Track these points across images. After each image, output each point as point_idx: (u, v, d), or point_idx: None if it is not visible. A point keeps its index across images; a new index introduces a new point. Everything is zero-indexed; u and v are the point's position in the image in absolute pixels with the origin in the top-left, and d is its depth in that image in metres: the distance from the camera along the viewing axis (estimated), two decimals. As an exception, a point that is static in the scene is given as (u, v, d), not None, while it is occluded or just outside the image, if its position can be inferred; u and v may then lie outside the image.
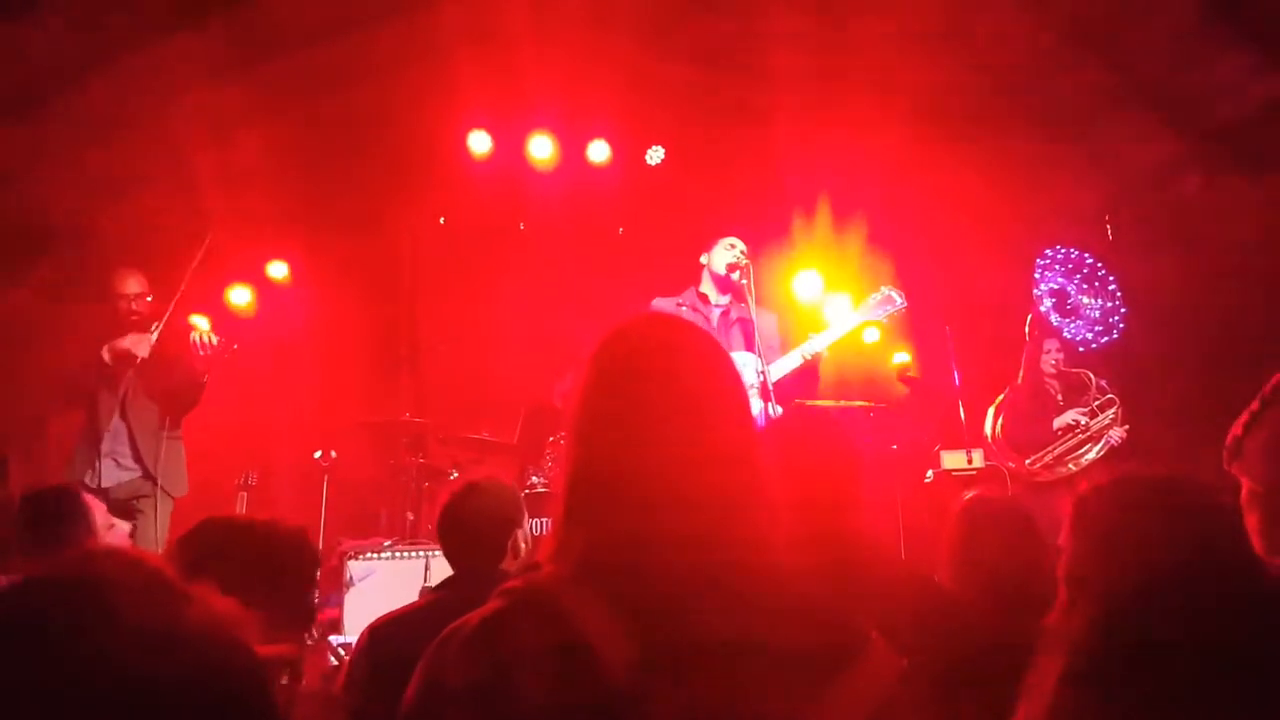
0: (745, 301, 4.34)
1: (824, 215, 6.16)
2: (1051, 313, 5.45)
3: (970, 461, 5.26)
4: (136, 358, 4.46)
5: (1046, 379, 5.40)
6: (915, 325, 5.65)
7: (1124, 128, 5.59)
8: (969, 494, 2.36)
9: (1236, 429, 1.82)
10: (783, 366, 4.26)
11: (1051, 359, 5.40)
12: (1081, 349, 5.51)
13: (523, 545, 2.51)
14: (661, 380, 1.11)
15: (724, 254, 4.47)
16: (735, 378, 1.17)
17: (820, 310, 5.95)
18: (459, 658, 1.00)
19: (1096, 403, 5.25)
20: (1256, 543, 1.81)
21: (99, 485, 4.44)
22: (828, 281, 6.11)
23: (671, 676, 0.95)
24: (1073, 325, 5.51)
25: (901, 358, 6.13)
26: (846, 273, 6.14)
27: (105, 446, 4.50)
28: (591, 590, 1.01)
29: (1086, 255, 5.65)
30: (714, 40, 5.84)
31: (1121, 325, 5.53)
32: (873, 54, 5.44)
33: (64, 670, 0.70)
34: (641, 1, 5.70)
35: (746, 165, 6.35)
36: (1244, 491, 1.82)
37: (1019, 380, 5.41)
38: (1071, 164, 5.88)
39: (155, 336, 4.48)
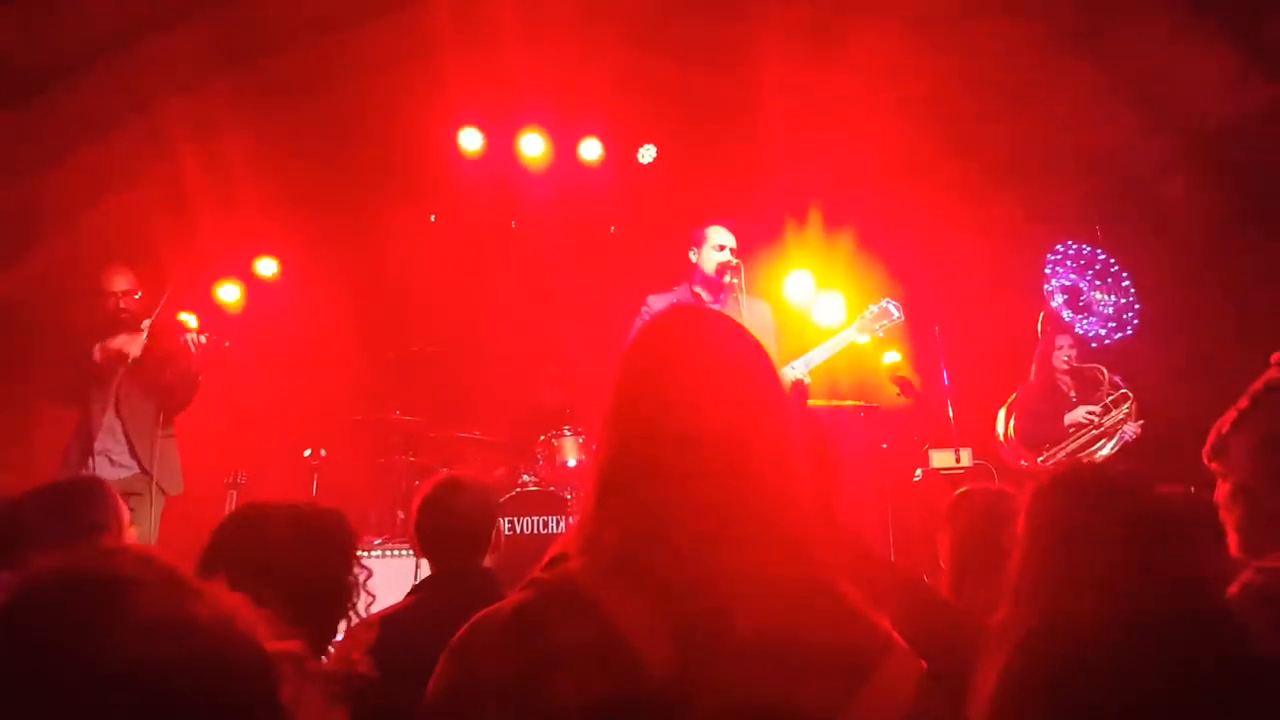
0: (736, 304, 4.33)
1: (815, 214, 6.18)
2: (1063, 309, 5.39)
3: (958, 460, 5.27)
4: (128, 356, 4.43)
5: (1059, 375, 5.33)
6: (905, 325, 5.67)
7: (1113, 129, 5.63)
8: (966, 489, 2.37)
9: (1223, 426, 1.82)
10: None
11: (1064, 355, 5.32)
12: (1094, 345, 5.42)
13: (500, 540, 2.51)
14: (698, 372, 1.10)
15: (713, 255, 4.45)
16: (770, 371, 1.16)
17: (811, 310, 5.97)
18: (493, 650, 0.99)
19: (1110, 398, 5.17)
20: (1233, 540, 1.83)
21: None
22: (819, 280, 6.13)
23: (709, 675, 0.94)
24: (1085, 321, 5.45)
25: (892, 357, 6.15)
26: (837, 272, 6.16)
27: (99, 444, 4.48)
28: (627, 584, 0.99)
29: (1099, 251, 5.58)
30: (706, 38, 5.85)
31: (1135, 321, 5.45)
32: (863, 54, 5.46)
33: (76, 662, 0.71)
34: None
35: (738, 163, 6.36)
36: (1224, 490, 1.83)
37: (1031, 377, 5.34)
38: (1061, 164, 5.92)
39: (145, 335, 4.44)
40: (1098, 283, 5.57)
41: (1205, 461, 1.87)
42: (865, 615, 1.04)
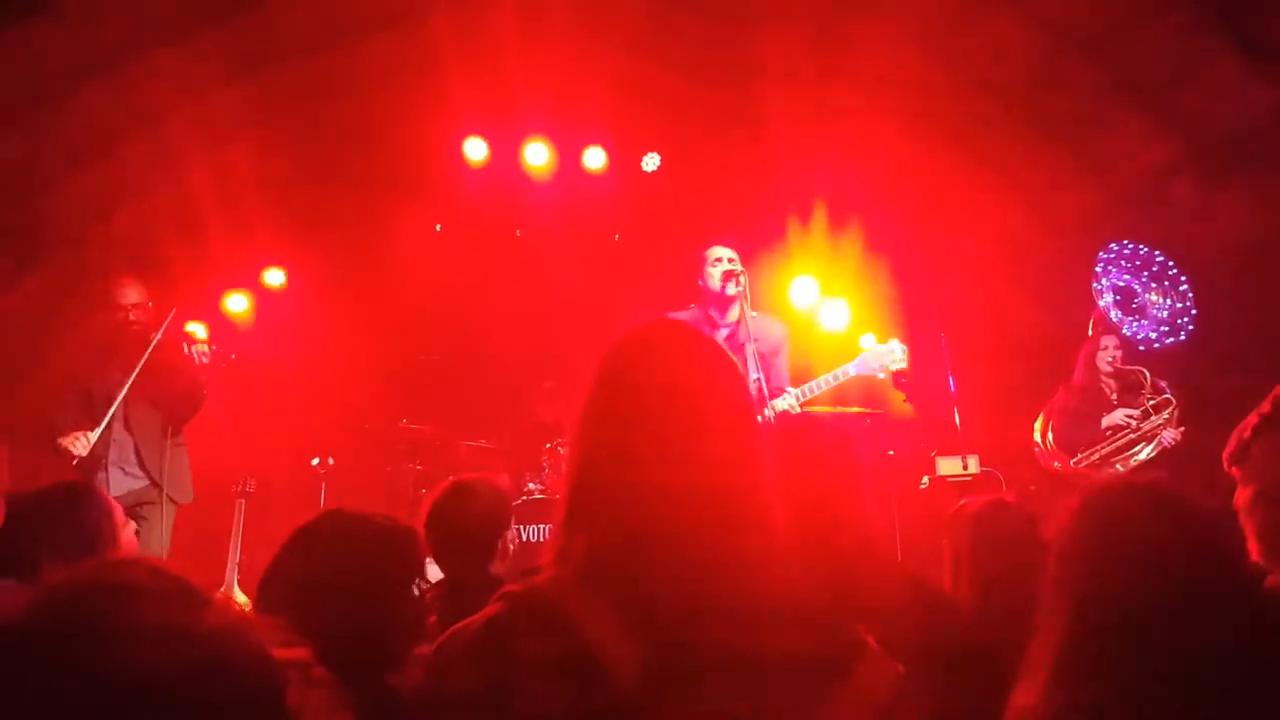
0: (743, 314, 4.32)
1: (820, 220, 6.18)
2: (1111, 309, 5.18)
3: (965, 467, 5.26)
4: (74, 458, 4.40)
5: (1102, 377, 5.20)
6: (911, 331, 5.67)
7: (1119, 133, 5.62)
8: (965, 501, 2.37)
9: (1244, 433, 1.79)
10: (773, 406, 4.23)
11: (1108, 356, 5.17)
12: (1142, 348, 5.25)
13: (510, 547, 2.49)
14: (665, 385, 1.11)
15: (715, 271, 4.44)
16: (739, 383, 1.18)
17: (816, 316, 5.98)
18: (462, 662, 1.00)
19: (1151, 402, 5.03)
20: (1253, 546, 1.81)
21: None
22: (824, 287, 6.14)
23: (677, 685, 0.95)
24: (1135, 323, 5.22)
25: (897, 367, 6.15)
26: (843, 279, 6.16)
27: (111, 456, 4.54)
28: (595, 596, 1.00)
29: (1156, 251, 5.34)
30: (708, 47, 5.87)
31: (1190, 326, 5.23)
32: (867, 59, 5.47)
33: (88, 671, 0.74)
34: (635, 8, 5.73)
35: (742, 171, 6.38)
36: (1244, 496, 1.81)
37: (1075, 378, 5.22)
38: (1067, 169, 5.92)
39: (94, 438, 4.40)
40: (1153, 284, 5.32)
41: (1225, 466, 1.84)
42: (837, 621, 1.06)
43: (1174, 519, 1.40)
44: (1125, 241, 5.39)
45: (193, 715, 0.75)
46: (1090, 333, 5.26)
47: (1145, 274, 5.37)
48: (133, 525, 2.55)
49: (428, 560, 2.66)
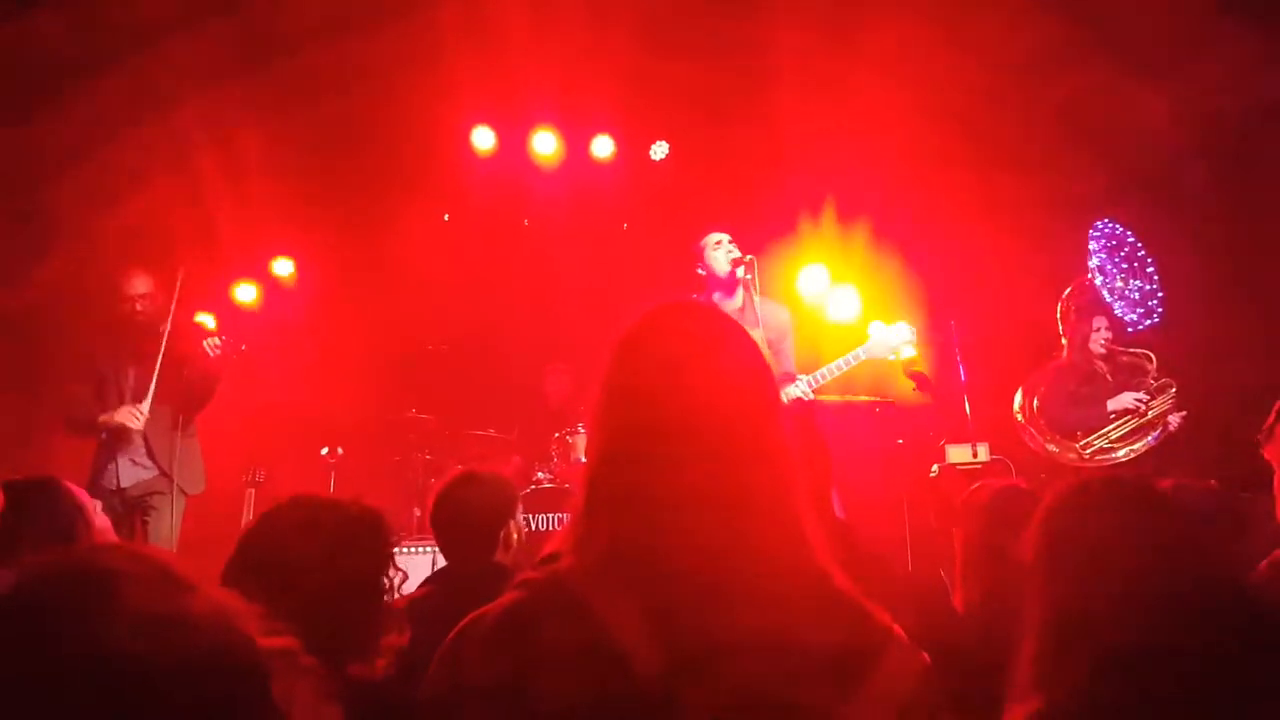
0: (749, 300, 4.30)
1: (829, 209, 6.14)
2: (1104, 289, 5.11)
3: (975, 455, 5.22)
4: (130, 432, 4.47)
5: (1096, 360, 5.07)
6: (921, 318, 5.64)
7: (1133, 116, 5.56)
8: (978, 485, 2.34)
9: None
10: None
11: (1101, 338, 5.06)
12: (1131, 329, 5.18)
13: (515, 537, 2.50)
14: (688, 368, 1.07)
15: (720, 255, 4.40)
16: (763, 367, 1.13)
17: (825, 304, 5.94)
18: (481, 652, 0.98)
19: (1154, 385, 4.94)
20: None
21: (118, 485, 4.51)
22: (833, 275, 6.10)
23: (700, 676, 0.93)
24: (1119, 305, 5.15)
25: (908, 351, 6.11)
26: (852, 266, 6.12)
27: (121, 446, 4.54)
28: (617, 585, 0.98)
29: (1129, 234, 5.26)
30: (717, 33, 5.83)
31: (1160, 309, 5.18)
32: (877, 47, 5.43)
33: (68, 655, 0.73)
34: (644, -4, 5.71)
35: (751, 159, 6.34)
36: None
37: (1063, 357, 5.12)
38: (1080, 153, 5.86)
39: (146, 410, 4.46)
40: (1124, 266, 5.26)
41: (1261, 450, 1.81)
42: (864, 610, 1.03)
43: (1133, 521, 1.38)
44: (1107, 220, 5.32)
45: (175, 703, 0.74)
46: (1061, 314, 5.14)
47: (1119, 255, 5.32)
48: (100, 505, 2.50)
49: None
